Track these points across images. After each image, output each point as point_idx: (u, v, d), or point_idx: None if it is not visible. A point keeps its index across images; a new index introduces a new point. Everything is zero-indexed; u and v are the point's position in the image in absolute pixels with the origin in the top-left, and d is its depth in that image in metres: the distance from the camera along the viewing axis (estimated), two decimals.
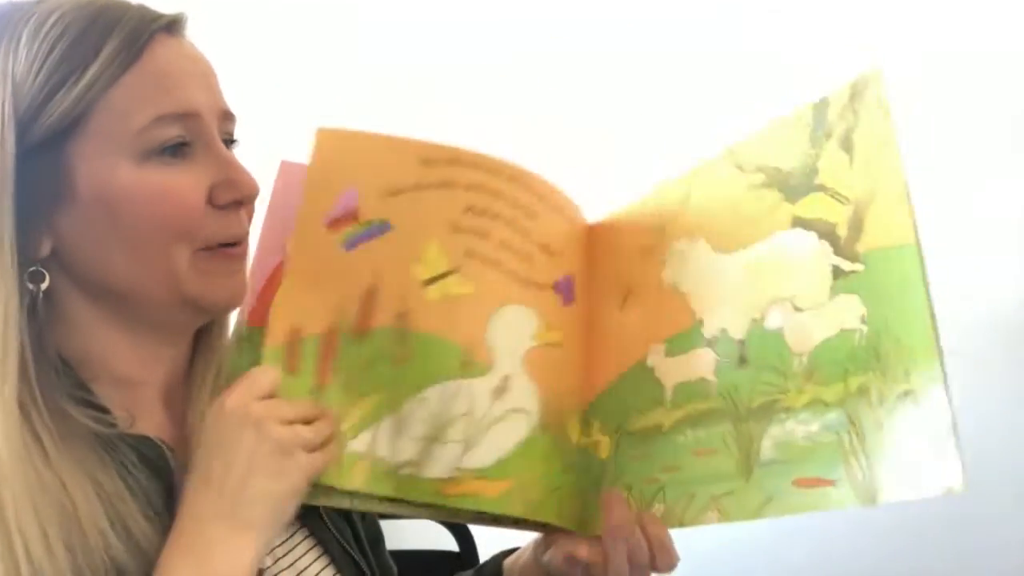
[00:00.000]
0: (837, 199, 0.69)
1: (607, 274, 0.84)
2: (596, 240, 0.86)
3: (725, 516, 0.70)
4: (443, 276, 0.73)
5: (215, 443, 0.60)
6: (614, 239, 0.86)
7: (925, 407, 0.60)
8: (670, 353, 0.77)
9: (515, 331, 0.74)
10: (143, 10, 0.65)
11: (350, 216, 0.73)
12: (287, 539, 0.69)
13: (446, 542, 1.19)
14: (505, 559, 0.83)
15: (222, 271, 0.67)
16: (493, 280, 0.74)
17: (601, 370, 0.81)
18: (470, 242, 0.73)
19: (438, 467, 0.71)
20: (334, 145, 0.73)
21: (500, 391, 0.73)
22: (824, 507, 0.65)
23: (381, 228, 0.73)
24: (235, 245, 0.68)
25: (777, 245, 0.72)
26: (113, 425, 0.62)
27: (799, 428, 0.67)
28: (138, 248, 0.63)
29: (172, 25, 0.66)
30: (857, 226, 0.67)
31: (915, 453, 0.60)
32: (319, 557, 0.71)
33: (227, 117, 0.69)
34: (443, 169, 0.74)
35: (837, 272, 0.68)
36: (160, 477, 0.62)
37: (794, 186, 0.72)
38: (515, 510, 0.72)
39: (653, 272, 0.81)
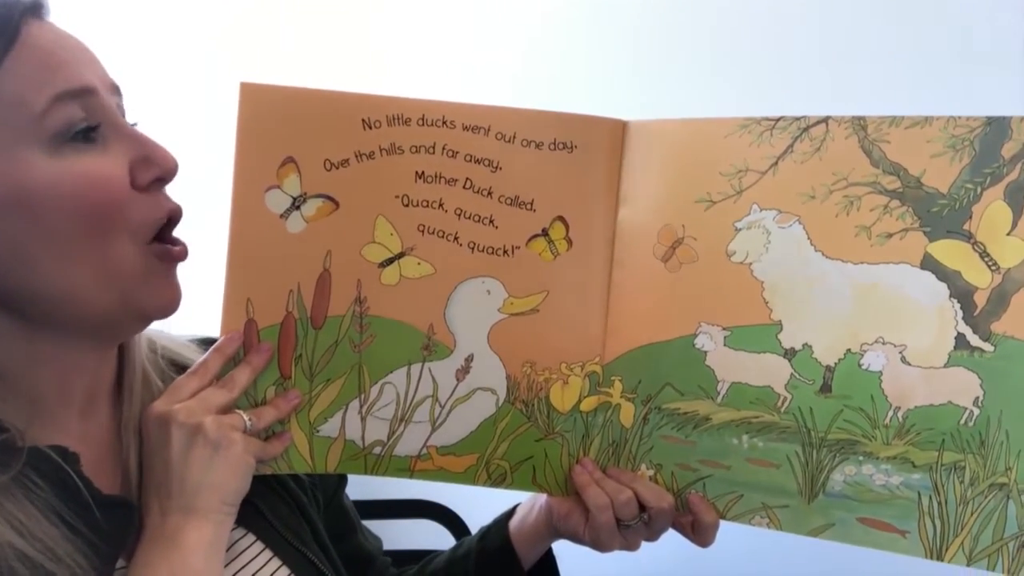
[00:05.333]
0: (986, 260, 0.64)
1: (643, 206, 0.79)
2: (635, 149, 0.79)
3: (777, 525, 0.78)
4: (398, 257, 0.79)
5: (152, 450, 0.70)
6: (658, 162, 0.78)
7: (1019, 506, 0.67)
8: (732, 345, 0.77)
9: (477, 307, 0.80)
10: None
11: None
12: (230, 546, 0.74)
13: (446, 542, 1.24)
14: (510, 520, 0.91)
15: (165, 273, 0.70)
16: (451, 256, 0.79)
17: (631, 327, 0.80)
18: (423, 216, 0.78)
19: (407, 446, 0.82)
20: (262, 103, 0.76)
21: (464, 372, 0.81)
22: (890, 550, 0.73)
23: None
24: (171, 229, 0.70)
25: (900, 279, 0.69)
26: (6, 442, 0.64)
27: (878, 476, 0.73)
28: (70, 246, 0.64)
29: (37, 8, 0.66)
30: (1000, 303, 0.65)
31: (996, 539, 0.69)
32: (269, 560, 0.76)
33: (117, 92, 0.70)
34: (386, 131, 0.77)
35: (961, 342, 0.67)
36: (65, 488, 0.65)
37: (937, 218, 0.67)
38: (481, 482, 0.83)
39: (720, 233, 0.76)
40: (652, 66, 1.44)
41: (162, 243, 0.68)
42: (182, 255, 0.70)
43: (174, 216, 0.70)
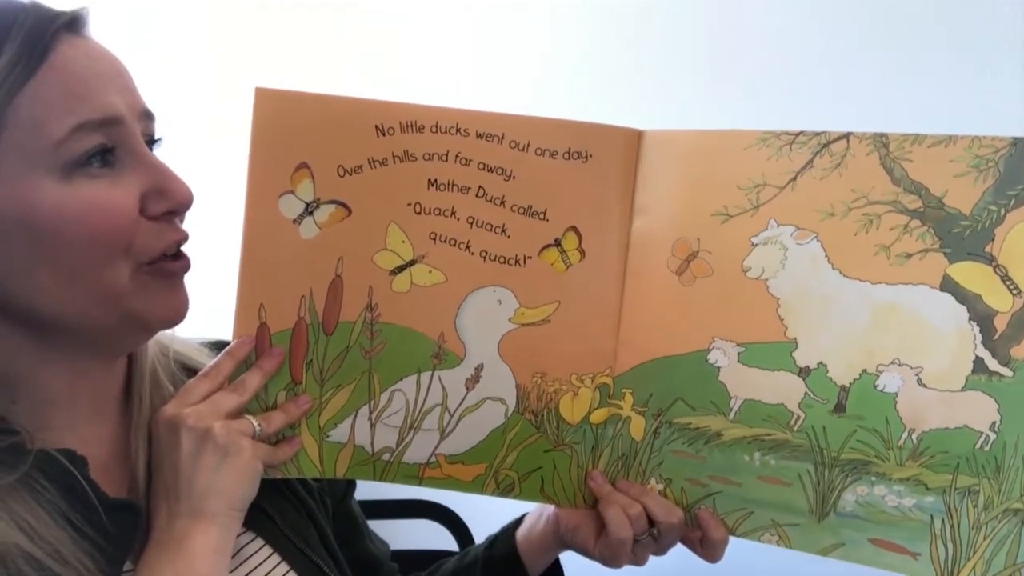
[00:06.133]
0: (1008, 285, 0.63)
1: (658, 218, 0.78)
2: (650, 159, 0.77)
3: (787, 543, 0.77)
4: (409, 265, 0.78)
5: (162, 454, 0.70)
6: (674, 173, 0.76)
7: None
8: (745, 362, 0.75)
9: (488, 317, 0.79)
10: (38, 8, 0.63)
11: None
12: (238, 550, 0.74)
13: (446, 542, 1.23)
14: (517, 530, 0.90)
15: (163, 287, 0.69)
16: (462, 264, 0.78)
17: (643, 340, 0.79)
18: (435, 224, 0.77)
19: (416, 454, 0.81)
20: (277, 108, 0.76)
21: (474, 381, 0.80)
22: (901, 572, 0.72)
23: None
24: (176, 258, 0.70)
25: (919, 300, 0.67)
26: (15, 445, 0.64)
27: (891, 497, 0.71)
28: (71, 270, 0.64)
29: (75, 22, 0.64)
30: (1021, 328, 0.64)
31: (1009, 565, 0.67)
32: (277, 565, 0.76)
33: (148, 116, 0.68)
34: (399, 138, 0.76)
35: (979, 366, 0.66)
36: (72, 491, 0.65)
37: (958, 239, 0.65)
38: (489, 491, 0.82)
39: (736, 248, 0.74)
40: (668, 75, 1.42)
41: (157, 263, 0.67)
42: (182, 269, 0.69)
43: (178, 244, 0.69)
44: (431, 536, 1.28)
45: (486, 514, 0.93)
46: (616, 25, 1.48)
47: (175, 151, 0.74)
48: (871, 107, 1.19)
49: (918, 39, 1.19)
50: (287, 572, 0.76)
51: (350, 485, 0.90)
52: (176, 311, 0.70)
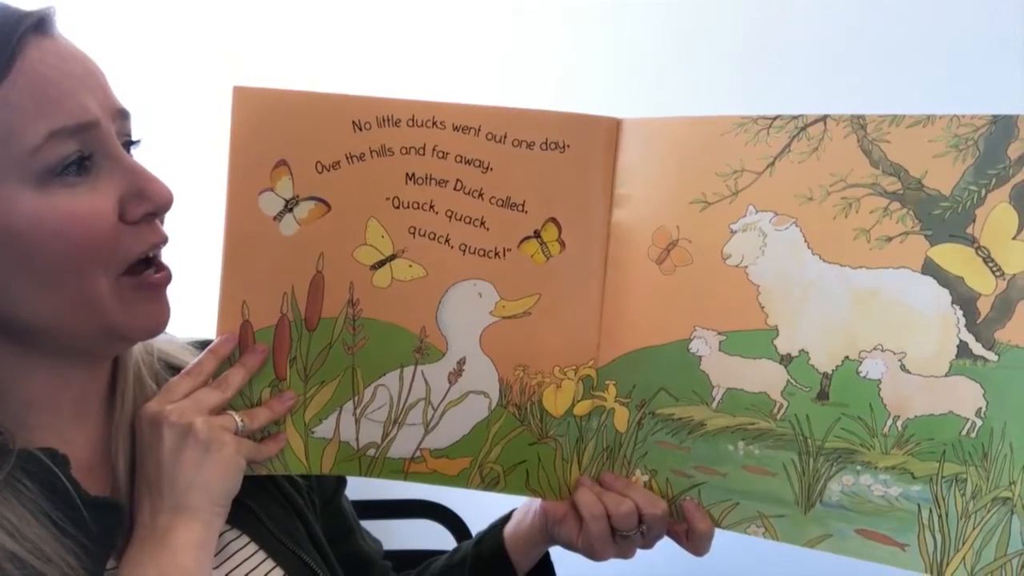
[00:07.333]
0: (990, 266, 0.59)
1: (637, 207, 0.75)
2: (629, 148, 0.74)
3: (774, 535, 0.73)
4: (389, 259, 0.76)
5: (144, 450, 0.68)
6: (653, 161, 0.74)
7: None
8: (727, 350, 0.72)
9: (469, 310, 0.77)
10: (4, 10, 0.61)
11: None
12: (223, 547, 0.72)
13: (446, 542, 1.21)
14: (505, 526, 0.87)
15: (145, 299, 0.67)
16: (442, 258, 0.76)
17: (625, 330, 0.76)
18: (413, 218, 0.75)
19: (400, 448, 0.79)
20: (256, 106, 0.74)
21: (456, 375, 0.77)
22: (889, 564, 0.68)
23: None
24: (157, 269, 0.68)
25: (900, 285, 0.64)
26: None
27: (877, 487, 0.68)
28: (51, 280, 0.62)
29: (42, 23, 0.61)
30: (1005, 310, 0.60)
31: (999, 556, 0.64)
32: (263, 562, 0.74)
33: (123, 116, 0.66)
34: (376, 133, 0.74)
35: (963, 350, 0.62)
36: (54, 490, 0.63)
37: (939, 221, 0.62)
38: (474, 485, 0.80)
39: (715, 236, 0.71)
40: (651, 65, 1.40)
41: (136, 274, 0.66)
42: (162, 281, 0.67)
43: (157, 246, 0.67)
44: (431, 536, 1.25)
45: (486, 513, 0.91)
46: (616, 23, 1.46)
47: (159, 151, 0.72)
48: (869, 107, 1.16)
49: (917, 39, 1.16)
50: (273, 568, 0.73)
51: (340, 483, 0.87)
52: (156, 323, 0.68)
